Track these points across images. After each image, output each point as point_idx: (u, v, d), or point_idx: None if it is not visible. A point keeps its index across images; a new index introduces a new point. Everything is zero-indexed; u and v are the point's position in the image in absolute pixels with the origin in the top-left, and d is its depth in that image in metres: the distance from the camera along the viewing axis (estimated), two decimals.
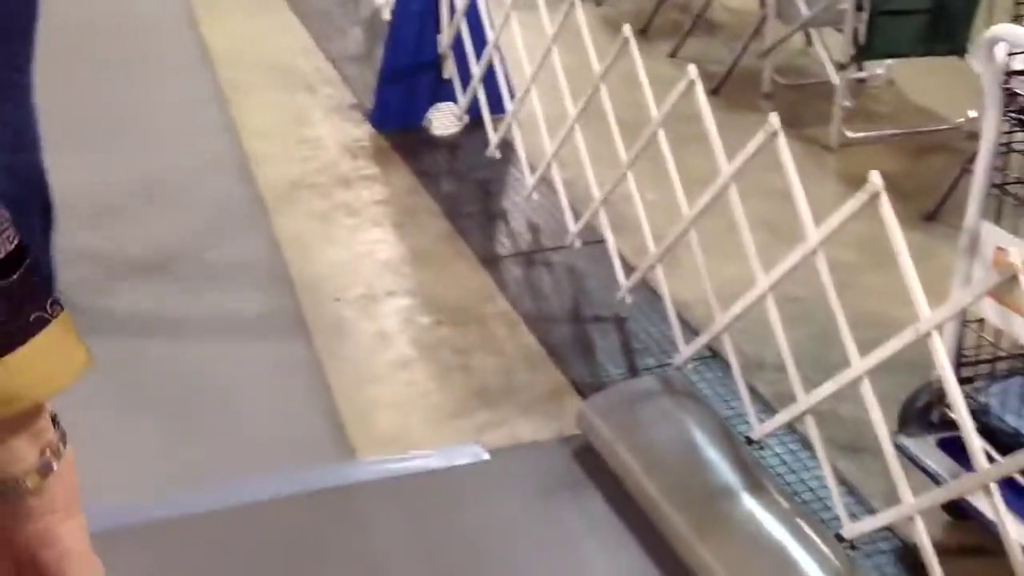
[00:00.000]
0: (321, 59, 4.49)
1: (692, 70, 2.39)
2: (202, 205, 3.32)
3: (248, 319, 2.78)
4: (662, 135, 2.51)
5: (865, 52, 3.52)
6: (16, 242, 0.66)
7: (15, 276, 0.65)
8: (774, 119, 2.12)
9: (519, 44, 3.25)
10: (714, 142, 2.31)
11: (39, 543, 0.68)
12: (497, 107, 3.55)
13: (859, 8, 3.47)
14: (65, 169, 3.59)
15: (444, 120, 3.74)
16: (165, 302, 2.81)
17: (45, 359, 0.66)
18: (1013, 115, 1.94)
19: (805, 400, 2.00)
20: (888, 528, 1.91)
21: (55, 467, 0.68)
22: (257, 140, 3.70)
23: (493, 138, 3.49)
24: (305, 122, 3.89)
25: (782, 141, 2.11)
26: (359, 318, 2.74)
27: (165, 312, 2.78)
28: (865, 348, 1.89)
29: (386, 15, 4.63)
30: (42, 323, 0.66)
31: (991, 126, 1.94)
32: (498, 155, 3.50)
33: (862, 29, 3.47)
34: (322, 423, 2.38)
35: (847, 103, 3.60)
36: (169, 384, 2.49)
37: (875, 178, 1.85)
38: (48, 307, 0.67)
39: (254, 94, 4.11)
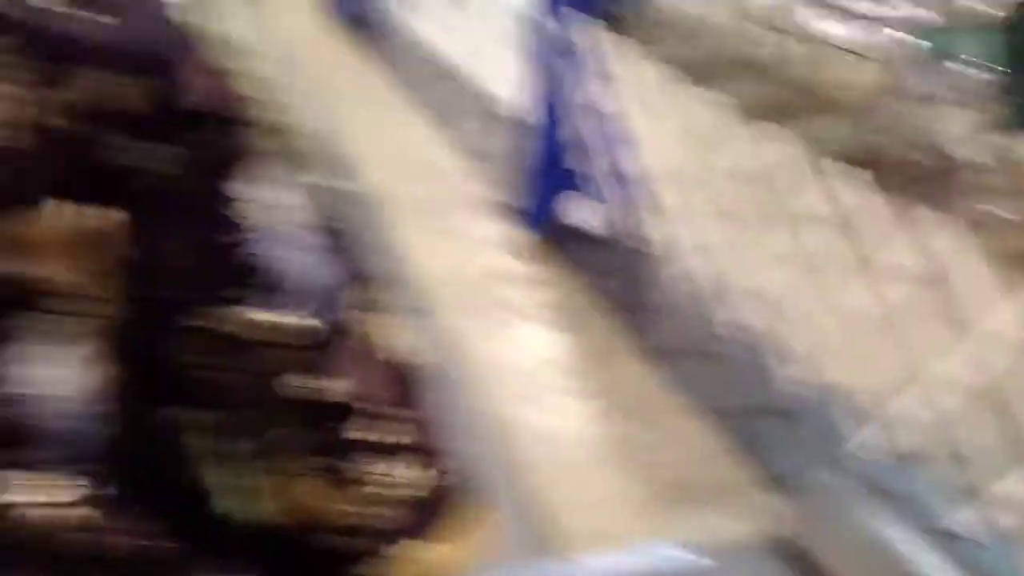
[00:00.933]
0: (460, 157, 4.69)
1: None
2: None
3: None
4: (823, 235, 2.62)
5: None
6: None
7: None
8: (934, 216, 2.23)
9: (653, 135, 3.39)
10: (872, 240, 2.43)
11: None
12: (637, 200, 3.70)
13: None
14: None
15: (588, 214, 3.89)
16: None
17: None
18: None
19: (1005, 490, 2.08)
20: None
21: None
22: (414, 241, 3.89)
23: (640, 232, 3.64)
24: (454, 220, 4.07)
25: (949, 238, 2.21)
26: (539, 419, 2.88)
27: None
28: None
29: (518, 111, 4.83)
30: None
31: None
32: (647, 249, 3.64)
33: None
34: (522, 521, 2.51)
35: (989, 181, 3.68)
36: None
37: None
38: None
39: (403, 194, 4.31)
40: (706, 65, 5.50)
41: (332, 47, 6.86)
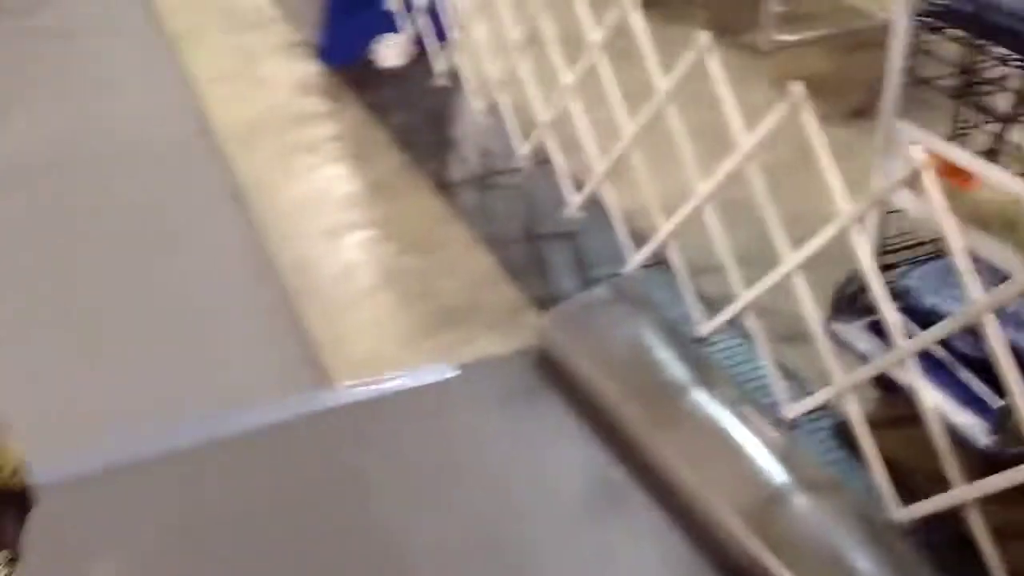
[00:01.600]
0: None
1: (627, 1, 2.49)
2: (159, 154, 3.41)
3: (214, 261, 2.88)
4: (602, 60, 2.62)
5: None
6: None
7: None
8: (704, 37, 2.24)
9: None
10: (651, 65, 2.43)
11: None
12: (441, 36, 3.64)
13: None
14: (14, 126, 3.65)
15: (390, 52, 3.81)
16: (130, 252, 2.91)
17: None
18: (921, 18, 2.07)
19: (744, 296, 2.16)
20: (825, 407, 2.08)
21: None
22: (211, 84, 3.78)
23: (439, 67, 3.59)
24: (256, 62, 3.95)
25: (713, 61, 2.23)
26: (324, 252, 2.87)
27: (131, 261, 2.88)
28: (800, 243, 2.05)
29: None
30: None
31: (901, 29, 2.08)
32: (446, 83, 3.60)
33: None
34: (297, 353, 2.52)
35: (778, 8, 3.71)
36: (141, 327, 2.60)
37: (796, 89, 1.98)
38: None
39: (203, 38, 4.16)
40: None
41: None
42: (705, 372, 2.14)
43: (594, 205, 2.81)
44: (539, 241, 2.85)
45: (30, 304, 2.71)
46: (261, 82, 3.80)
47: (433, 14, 3.63)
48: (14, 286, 2.78)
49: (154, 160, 3.38)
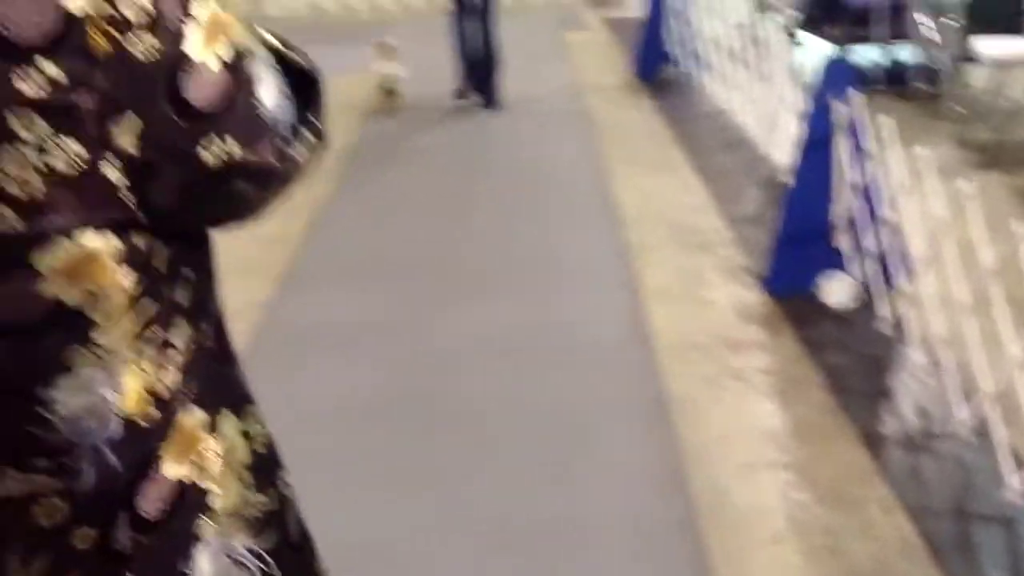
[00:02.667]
0: (718, 219, 4.73)
1: None
2: (594, 355, 3.61)
3: (627, 472, 2.97)
4: None
5: None
6: None
7: None
8: None
9: (914, 220, 3.30)
10: None
11: None
12: (890, 282, 3.59)
13: None
14: (467, 313, 4.02)
15: (835, 290, 3.81)
16: (545, 448, 3.07)
17: None
18: None
19: None
20: None
21: None
22: (655, 297, 3.98)
23: (883, 312, 3.53)
24: (701, 281, 4.12)
25: None
26: (737, 486, 2.86)
27: (544, 458, 3.03)
28: None
29: (784, 178, 4.82)
30: None
31: None
32: (888, 331, 3.52)
33: None
34: None
35: None
36: (544, 529, 2.71)
37: None
38: None
39: (656, 252, 4.42)
40: (1002, 149, 5.22)
41: (626, 102, 7.07)
42: None
43: None
44: (970, 520, 2.65)
45: (430, 498, 2.91)
46: (703, 302, 3.95)
47: (882, 258, 3.59)
48: (416, 474, 2.99)
49: (588, 360, 3.58)
